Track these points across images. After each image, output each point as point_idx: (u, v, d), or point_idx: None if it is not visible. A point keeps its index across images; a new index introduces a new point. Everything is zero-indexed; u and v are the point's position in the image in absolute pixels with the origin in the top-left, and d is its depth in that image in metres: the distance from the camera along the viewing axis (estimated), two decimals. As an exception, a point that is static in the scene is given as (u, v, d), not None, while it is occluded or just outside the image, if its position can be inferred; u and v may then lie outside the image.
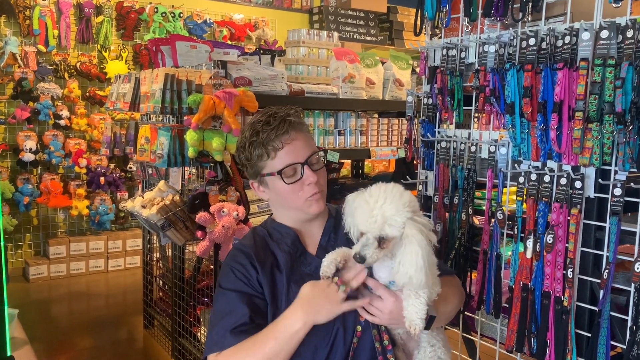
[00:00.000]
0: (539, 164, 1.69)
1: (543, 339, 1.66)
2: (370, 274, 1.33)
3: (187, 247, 3.16)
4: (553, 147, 1.60)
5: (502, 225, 1.79)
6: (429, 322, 1.29)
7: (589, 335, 1.61)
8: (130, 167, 5.24)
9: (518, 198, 1.72)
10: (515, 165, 1.77)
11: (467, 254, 1.96)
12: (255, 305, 1.36)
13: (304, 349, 1.33)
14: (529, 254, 1.68)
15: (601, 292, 1.53)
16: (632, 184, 1.46)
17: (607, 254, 1.53)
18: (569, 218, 1.59)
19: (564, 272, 1.60)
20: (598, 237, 1.60)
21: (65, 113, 5.06)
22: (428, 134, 2.09)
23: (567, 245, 1.59)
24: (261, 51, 4.01)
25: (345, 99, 3.27)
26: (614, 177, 1.51)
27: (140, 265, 4.83)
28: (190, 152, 2.55)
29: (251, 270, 1.40)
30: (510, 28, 1.73)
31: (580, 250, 1.61)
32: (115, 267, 5.23)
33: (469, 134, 1.95)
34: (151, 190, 3.02)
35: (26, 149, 4.81)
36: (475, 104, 1.84)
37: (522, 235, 1.71)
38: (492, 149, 1.85)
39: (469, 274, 1.98)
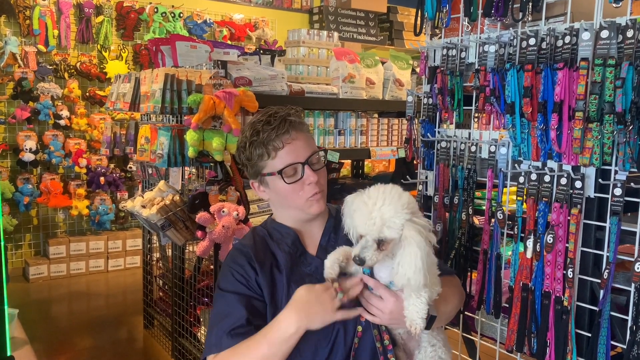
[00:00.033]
0: (539, 163, 1.69)
1: (543, 338, 1.66)
2: (371, 274, 1.33)
3: (187, 247, 3.16)
4: (553, 147, 1.60)
5: (502, 225, 1.79)
6: (430, 321, 1.29)
7: (589, 335, 1.61)
8: (130, 167, 5.24)
9: (518, 198, 1.72)
10: (516, 165, 1.77)
11: (467, 254, 1.96)
12: (253, 307, 1.36)
13: (305, 349, 1.33)
14: (529, 254, 1.68)
15: (601, 292, 1.53)
16: (632, 183, 1.46)
17: (607, 254, 1.53)
18: (569, 218, 1.59)
19: (564, 272, 1.60)
20: (598, 237, 1.60)
21: (65, 113, 5.06)
22: (428, 133, 2.09)
23: (567, 245, 1.59)
24: (261, 51, 4.01)
25: (345, 99, 3.27)
26: (614, 177, 1.51)
27: (140, 265, 4.83)
28: (190, 152, 2.55)
29: (250, 271, 1.40)
30: (511, 28, 1.73)
31: (580, 250, 1.61)
32: (115, 267, 5.23)
33: (469, 133, 1.95)
34: (151, 190, 3.02)
35: (26, 149, 4.81)
36: (476, 104, 1.84)
37: (522, 235, 1.71)
38: (492, 148, 1.85)
39: (469, 273, 1.98)
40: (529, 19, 1.76)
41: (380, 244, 1.25)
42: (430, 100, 2.07)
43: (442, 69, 1.98)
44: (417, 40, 2.20)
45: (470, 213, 1.93)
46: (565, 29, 1.57)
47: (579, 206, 1.57)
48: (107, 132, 3.79)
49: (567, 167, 1.62)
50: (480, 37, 1.85)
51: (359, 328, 1.37)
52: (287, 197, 1.42)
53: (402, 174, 3.04)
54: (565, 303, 1.60)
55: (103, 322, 3.99)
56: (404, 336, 1.40)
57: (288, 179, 1.38)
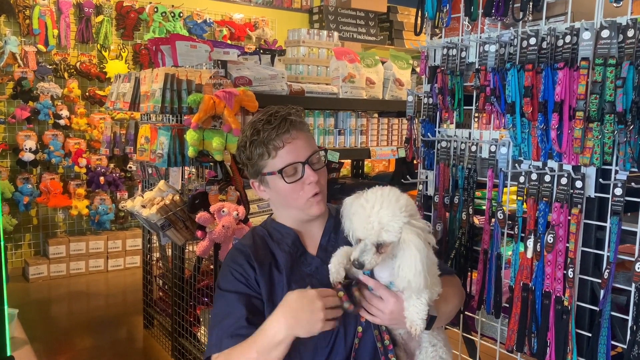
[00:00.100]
0: (539, 163, 1.69)
1: (543, 338, 1.66)
2: (371, 274, 1.33)
3: (187, 247, 3.16)
4: (554, 146, 1.60)
5: (503, 225, 1.79)
6: (430, 322, 1.29)
7: (590, 335, 1.60)
8: (130, 167, 5.24)
9: (518, 198, 1.72)
10: (516, 164, 1.77)
11: (468, 254, 1.96)
12: (253, 306, 1.36)
13: (305, 349, 1.33)
14: (529, 254, 1.68)
15: (602, 292, 1.53)
16: (632, 183, 1.46)
17: (608, 254, 1.53)
18: (569, 218, 1.58)
19: (565, 272, 1.60)
20: (599, 237, 1.59)
21: (65, 113, 5.06)
22: (428, 133, 2.08)
23: (567, 245, 1.59)
24: (261, 51, 4.00)
25: (345, 99, 3.26)
26: (615, 177, 1.51)
27: (140, 265, 4.83)
28: (190, 152, 2.54)
29: (249, 270, 1.40)
30: (511, 27, 1.73)
31: (580, 250, 1.61)
32: (115, 266, 5.23)
33: (470, 133, 1.95)
34: (151, 190, 3.02)
35: (26, 149, 4.81)
36: (476, 103, 1.84)
37: (523, 235, 1.70)
38: (493, 148, 1.85)
39: (469, 273, 1.98)
40: (530, 18, 1.76)
41: (379, 247, 1.25)
42: (431, 100, 2.07)
43: (443, 68, 1.98)
44: (417, 40, 2.20)
45: (471, 213, 1.93)
46: (565, 28, 1.56)
47: (579, 206, 1.57)
48: (107, 132, 3.79)
49: (568, 167, 1.61)
50: (480, 37, 1.85)
51: (359, 328, 1.36)
52: (287, 197, 1.42)
53: (402, 173, 3.04)
54: (566, 303, 1.60)
55: (103, 322, 3.99)
56: (404, 336, 1.40)
57: (288, 179, 1.38)
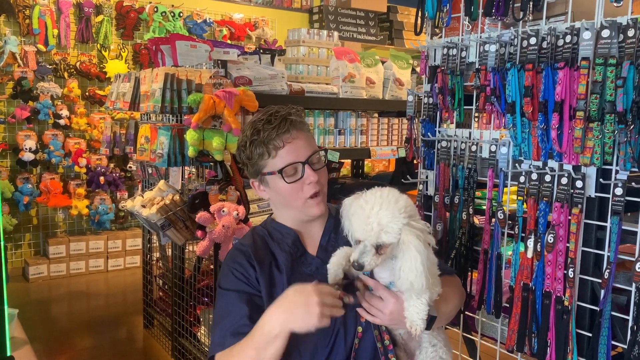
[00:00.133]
0: (539, 163, 1.69)
1: (544, 338, 1.66)
2: (371, 275, 1.33)
3: (187, 247, 3.15)
4: (554, 146, 1.60)
5: (503, 225, 1.79)
6: (430, 322, 1.29)
7: (590, 335, 1.60)
8: (130, 167, 5.23)
9: (519, 197, 1.72)
10: (516, 164, 1.77)
11: (468, 254, 1.96)
12: (254, 304, 1.35)
13: (304, 349, 1.33)
14: (529, 254, 1.67)
15: (602, 291, 1.53)
16: (633, 183, 1.46)
17: (608, 254, 1.53)
18: (569, 218, 1.58)
19: (565, 271, 1.60)
20: (599, 237, 1.59)
21: (65, 112, 5.06)
22: (429, 133, 2.08)
23: (568, 244, 1.59)
24: (261, 50, 4.00)
25: (345, 99, 3.26)
26: (615, 177, 1.51)
27: (140, 264, 4.83)
28: (190, 152, 2.54)
29: (249, 269, 1.40)
30: (511, 27, 1.73)
31: (581, 250, 1.61)
32: (115, 266, 5.23)
33: (470, 133, 1.95)
34: (151, 189, 3.02)
35: (26, 149, 4.81)
36: (476, 103, 1.84)
37: (523, 234, 1.70)
38: (493, 148, 1.85)
39: (469, 273, 1.98)
40: (530, 18, 1.76)
41: (379, 248, 1.25)
42: (431, 100, 2.07)
43: (443, 68, 1.98)
44: (417, 40, 2.20)
45: (471, 213, 1.93)
46: (566, 28, 1.56)
47: (579, 206, 1.57)
48: (106, 132, 3.79)
49: (568, 167, 1.61)
50: (480, 37, 1.85)
51: (359, 328, 1.36)
52: (287, 197, 1.41)
53: (402, 173, 3.04)
54: (566, 303, 1.60)
55: (103, 322, 3.99)
56: (404, 336, 1.40)
57: (288, 179, 1.38)
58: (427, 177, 2.12)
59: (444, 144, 2.02)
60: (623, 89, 1.42)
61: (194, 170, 3.08)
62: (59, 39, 5.11)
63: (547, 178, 1.63)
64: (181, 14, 5.72)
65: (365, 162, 4.26)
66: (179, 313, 3.21)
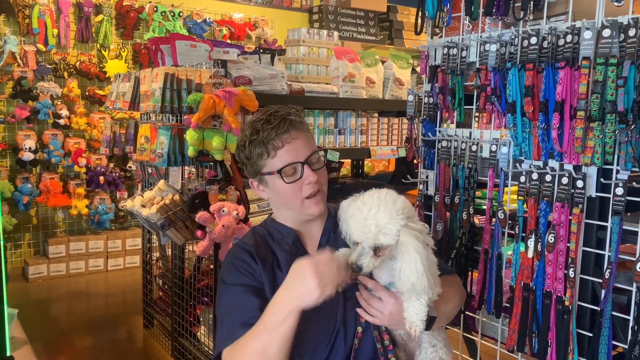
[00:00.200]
0: (540, 163, 1.68)
1: (544, 338, 1.65)
2: (370, 275, 1.33)
3: (187, 247, 3.15)
4: (554, 146, 1.60)
5: (503, 225, 1.79)
6: (430, 322, 1.29)
7: (591, 335, 1.60)
8: (130, 167, 5.23)
9: (519, 197, 1.71)
10: (517, 164, 1.76)
11: (468, 254, 1.95)
12: (264, 297, 1.33)
13: (305, 350, 1.32)
14: (530, 254, 1.67)
15: (603, 291, 1.53)
16: (634, 183, 1.46)
17: (609, 254, 1.53)
18: (570, 217, 1.58)
19: (566, 271, 1.59)
20: (599, 237, 1.59)
21: (64, 112, 5.05)
22: (429, 133, 2.08)
23: (568, 244, 1.58)
24: (261, 50, 4.00)
25: (345, 98, 3.26)
26: (616, 177, 1.51)
27: (139, 264, 4.82)
28: (190, 152, 2.54)
29: (253, 264, 1.39)
30: (512, 27, 1.72)
31: (581, 250, 1.61)
32: (115, 266, 5.22)
33: (470, 133, 1.95)
34: (151, 189, 3.01)
35: (25, 148, 4.80)
36: (477, 103, 1.84)
37: (524, 234, 1.70)
38: (493, 148, 1.85)
39: (469, 273, 1.97)
40: (530, 17, 1.75)
41: (377, 250, 1.25)
42: (431, 100, 2.07)
43: (443, 68, 1.98)
44: (418, 40, 2.19)
45: (471, 212, 1.92)
46: (566, 27, 1.56)
47: (580, 206, 1.57)
48: (106, 132, 3.79)
49: (569, 167, 1.61)
50: (481, 36, 1.85)
51: (359, 329, 1.36)
52: (286, 197, 1.41)
53: (402, 173, 3.04)
54: (567, 303, 1.59)
55: (103, 322, 3.99)
56: (404, 337, 1.39)
57: (287, 179, 1.38)
58: (427, 177, 2.12)
59: (444, 143, 2.02)
60: (624, 88, 1.41)
61: (193, 170, 3.08)
62: (58, 39, 5.10)
63: (548, 178, 1.63)
64: (181, 14, 5.72)
65: (365, 162, 4.26)
66: (178, 313, 3.21)
